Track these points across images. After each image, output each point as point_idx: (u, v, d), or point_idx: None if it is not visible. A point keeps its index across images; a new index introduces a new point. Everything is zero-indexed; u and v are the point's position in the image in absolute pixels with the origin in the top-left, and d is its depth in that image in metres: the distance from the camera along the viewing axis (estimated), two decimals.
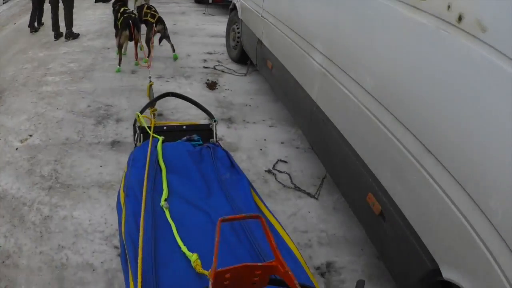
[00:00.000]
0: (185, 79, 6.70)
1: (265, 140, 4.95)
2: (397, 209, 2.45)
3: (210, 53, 8.10)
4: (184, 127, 3.23)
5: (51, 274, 3.01)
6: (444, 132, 2.04)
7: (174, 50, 7.62)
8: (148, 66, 6.39)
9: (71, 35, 8.93)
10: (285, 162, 4.52)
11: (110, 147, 4.64)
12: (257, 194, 2.43)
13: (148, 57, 6.97)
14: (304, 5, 4.06)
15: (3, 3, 15.33)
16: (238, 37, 7.20)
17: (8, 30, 10.02)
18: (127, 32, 6.87)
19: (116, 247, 3.24)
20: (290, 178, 4.25)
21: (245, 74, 7.04)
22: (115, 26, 7.45)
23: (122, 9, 7.26)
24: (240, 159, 4.38)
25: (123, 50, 7.08)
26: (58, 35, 8.96)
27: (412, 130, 2.28)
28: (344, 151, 3.08)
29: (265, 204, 2.39)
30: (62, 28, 8.94)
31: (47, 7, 9.41)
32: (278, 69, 4.77)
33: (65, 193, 3.83)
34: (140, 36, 7.19)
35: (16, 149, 4.55)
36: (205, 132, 3.21)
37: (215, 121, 3.22)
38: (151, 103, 3.56)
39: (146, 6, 7.55)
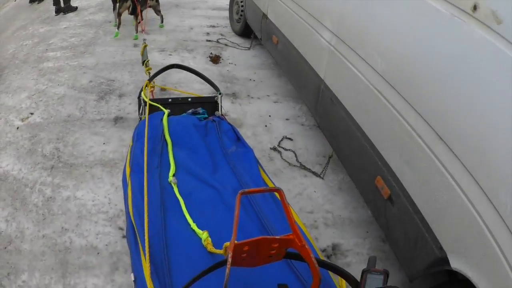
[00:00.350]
0: (188, 53, 6.59)
1: (269, 116, 4.89)
2: (407, 194, 2.40)
3: (213, 26, 7.97)
4: (189, 99, 3.24)
5: (55, 258, 2.99)
6: (456, 119, 1.99)
7: (162, 21, 7.86)
8: (143, 31, 6.61)
9: (69, 9, 8.86)
10: (290, 139, 4.48)
11: (113, 124, 4.58)
12: (264, 170, 2.48)
13: (139, 23, 7.28)
14: None
15: None
16: (242, 11, 7.06)
17: (8, 8, 9.91)
18: (128, 3, 7.01)
19: (121, 229, 3.21)
20: (296, 156, 4.21)
21: (249, 48, 6.92)
22: None
23: None
24: (245, 135, 4.31)
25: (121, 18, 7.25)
26: (59, 10, 8.87)
27: (424, 115, 2.21)
28: (353, 132, 3.03)
29: (272, 181, 2.43)
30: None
31: None
32: (284, 45, 4.65)
33: (68, 173, 3.79)
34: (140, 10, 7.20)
35: (17, 128, 4.50)
36: (210, 104, 3.24)
37: (220, 94, 3.23)
38: (157, 74, 3.49)
39: None
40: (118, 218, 3.32)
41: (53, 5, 8.85)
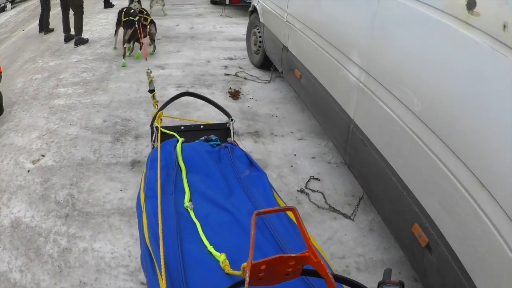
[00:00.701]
0: (206, 88, 6.73)
1: (295, 155, 4.95)
2: (445, 242, 2.41)
3: (231, 59, 8.15)
4: (201, 126, 3.37)
5: None
6: (502, 167, 1.99)
7: (154, 50, 8.56)
8: (145, 58, 6.83)
9: (81, 41, 9.14)
10: (317, 179, 4.51)
11: (130, 168, 4.65)
12: (277, 193, 2.53)
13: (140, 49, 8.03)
14: (336, 11, 4.03)
15: (11, 8, 15.57)
16: (260, 42, 7.22)
17: (17, 37, 10.20)
18: (131, 31, 7.73)
19: (143, 283, 3.24)
20: (324, 197, 4.23)
21: (269, 81, 7.06)
22: (117, 23, 8.35)
23: (125, 9, 8.15)
24: (270, 177, 4.27)
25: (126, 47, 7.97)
26: (68, 38, 9.13)
27: (466, 161, 2.22)
28: (387, 176, 3.04)
29: (285, 202, 2.51)
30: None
31: (58, 10, 9.56)
32: (308, 80, 4.71)
33: (84, 222, 3.85)
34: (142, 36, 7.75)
35: (28, 171, 4.60)
36: (222, 131, 3.34)
37: (232, 120, 3.35)
38: (169, 102, 3.60)
39: (139, 9, 8.52)
40: (140, 272, 3.32)
41: (63, 33, 9.09)
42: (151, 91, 3.96)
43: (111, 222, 3.86)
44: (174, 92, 6.23)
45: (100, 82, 6.92)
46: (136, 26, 7.74)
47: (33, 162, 4.75)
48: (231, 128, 3.32)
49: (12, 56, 8.90)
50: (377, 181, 3.32)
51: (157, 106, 3.69)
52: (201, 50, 8.53)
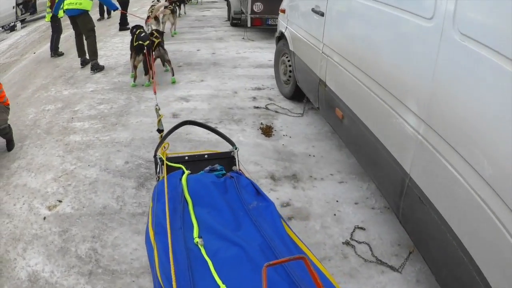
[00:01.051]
0: (235, 124, 6.70)
1: (337, 201, 4.87)
2: None
3: (259, 89, 8.17)
4: (205, 156, 3.63)
5: None
6: None
7: (173, 74, 8.79)
8: (154, 92, 6.67)
9: (97, 67, 9.24)
10: (362, 228, 4.44)
11: None
12: (286, 223, 2.67)
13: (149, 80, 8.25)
14: (386, 46, 3.81)
15: (21, 27, 15.82)
16: (290, 71, 7.21)
17: (28, 60, 10.32)
18: (140, 57, 8.17)
19: None
20: (370, 249, 4.17)
21: (302, 114, 7.04)
22: (131, 47, 8.56)
23: (138, 31, 8.50)
24: (313, 229, 4.34)
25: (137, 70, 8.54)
26: (84, 62, 9.28)
27: None
28: (447, 240, 2.94)
29: (294, 232, 2.63)
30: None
31: (70, 33, 9.67)
32: (353, 122, 4.55)
33: (110, 282, 3.79)
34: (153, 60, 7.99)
35: (44, 218, 4.58)
36: (227, 160, 3.60)
37: (236, 148, 3.58)
38: (171, 132, 3.80)
39: (150, 31, 8.90)
40: None
41: (78, 57, 9.22)
42: (160, 131, 4.21)
43: (141, 284, 3.76)
44: (200, 130, 6.20)
45: (119, 116, 6.95)
46: (145, 52, 7.99)
47: (49, 208, 4.73)
48: (236, 157, 3.56)
49: (23, 82, 8.99)
50: (434, 243, 3.22)
51: (164, 148, 3.83)
52: (226, 79, 8.56)
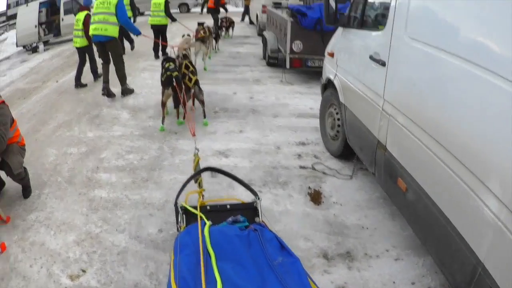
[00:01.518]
0: (281, 188, 6.39)
1: (394, 282, 4.59)
2: None
3: (303, 144, 7.96)
4: (228, 206, 3.84)
5: None
6: None
7: (205, 116, 8.81)
8: (193, 135, 6.72)
9: (127, 92, 9.68)
10: None
11: None
12: (312, 281, 2.70)
13: (183, 118, 8.26)
14: (472, 112, 3.37)
15: (44, 50, 15.90)
16: (339, 126, 6.95)
17: (49, 89, 10.29)
18: (170, 91, 7.95)
19: None
20: None
21: (351, 177, 6.74)
22: (161, 81, 8.50)
23: (167, 64, 8.34)
24: None
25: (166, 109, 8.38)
26: (106, 90, 9.62)
27: None
28: None
29: None
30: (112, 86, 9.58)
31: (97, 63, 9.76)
32: (419, 197, 4.15)
33: None
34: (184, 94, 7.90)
35: None
36: (249, 211, 3.77)
37: (259, 199, 3.77)
38: (190, 179, 4.09)
39: (184, 63, 8.56)
40: None
41: (103, 82, 9.46)
42: (198, 181, 4.50)
43: None
44: (244, 192, 5.93)
45: (150, 171, 6.74)
46: (175, 84, 7.90)
47: (72, 278, 4.48)
48: (259, 208, 3.73)
49: (44, 115, 8.90)
50: None
51: (202, 196, 4.16)
52: (267, 131, 8.37)
